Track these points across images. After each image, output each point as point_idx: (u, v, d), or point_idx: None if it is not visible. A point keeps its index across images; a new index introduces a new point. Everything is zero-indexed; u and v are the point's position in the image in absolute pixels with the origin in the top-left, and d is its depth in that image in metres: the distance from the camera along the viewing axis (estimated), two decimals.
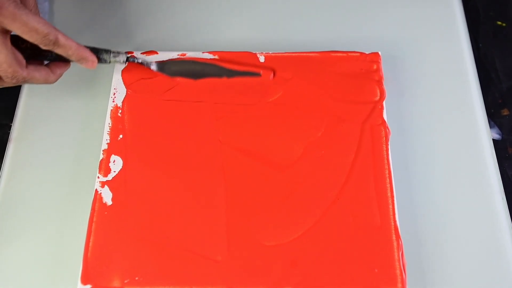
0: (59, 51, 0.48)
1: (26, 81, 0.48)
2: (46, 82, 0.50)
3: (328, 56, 0.57)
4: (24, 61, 0.47)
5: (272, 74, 0.55)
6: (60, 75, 0.52)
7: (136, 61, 0.55)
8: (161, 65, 0.55)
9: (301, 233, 0.48)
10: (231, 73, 0.55)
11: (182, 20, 0.63)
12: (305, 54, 0.57)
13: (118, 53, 0.54)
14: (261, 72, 0.55)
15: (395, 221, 0.48)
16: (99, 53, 0.52)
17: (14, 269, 0.50)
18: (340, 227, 0.48)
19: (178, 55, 0.56)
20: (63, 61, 0.51)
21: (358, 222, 0.48)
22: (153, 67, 0.55)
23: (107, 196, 0.50)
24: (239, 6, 0.64)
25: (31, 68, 0.48)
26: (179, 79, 0.55)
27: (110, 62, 0.53)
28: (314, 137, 0.52)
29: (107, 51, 0.53)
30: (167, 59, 0.56)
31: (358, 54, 0.57)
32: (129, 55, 0.55)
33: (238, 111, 0.54)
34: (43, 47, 0.47)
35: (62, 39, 0.47)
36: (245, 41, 0.60)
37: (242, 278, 0.46)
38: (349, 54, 0.57)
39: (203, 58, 0.56)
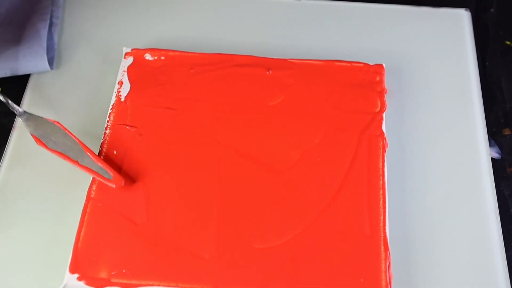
0: None
1: None
2: None
3: (332, 65, 0.57)
4: None
5: (122, 183, 0.50)
6: None
7: (3, 99, 0.54)
8: (27, 115, 0.53)
9: (290, 237, 0.48)
10: (84, 160, 0.50)
11: (190, 21, 0.64)
12: (309, 61, 0.57)
13: None
14: (113, 175, 0.50)
15: (384, 233, 0.48)
16: None
17: (7, 256, 0.50)
18: (330, 234, 0.48)
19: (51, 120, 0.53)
20: None
21: (348, 230, 0.48)
22: (18, 112, 0.54)
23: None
24: (247, 12, 0.64)
25: None
26: None
27: None
28: (312, 144, 0.53)
29: None
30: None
31: (362, 64, 0.57)
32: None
33: (238, 112, 0.54)
34: None
35: None
36: (252, 46, 0.61)
37: (228, 278, 0.47)
38: (353, 64, 0.57)
39: (71, 133, 0.52)
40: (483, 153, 0.54)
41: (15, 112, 0.54)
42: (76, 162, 0.50)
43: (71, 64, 0.61)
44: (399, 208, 0.51)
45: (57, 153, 0.51)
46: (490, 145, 0.55)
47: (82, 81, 0.60)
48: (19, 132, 0.56)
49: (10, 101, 0.54)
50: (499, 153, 0.55)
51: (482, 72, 0.60)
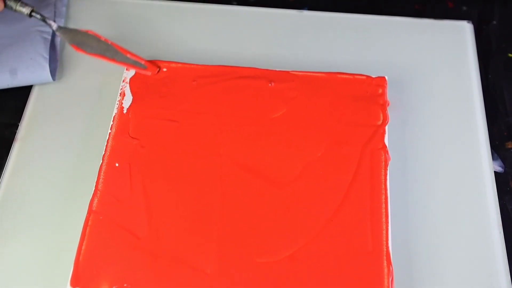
0: None
1: None
2: None
3: (334, 77, 0.57)
4: None
5: (157, 70, 0.57)
6: None
7: (38, 17, 0.56)
8: (63, 29, 0.57)
9: (292, 252, 0.48)
10: (119, 58, 0.56)
11: (192, 33, 0.64)
12: (311, 73, 0.57)
13: (26, 5, 0.55)
14: (147, 65, 0.57)
15: (387, 247, 0.48)
16: (7, 0, 0.55)
17: (8, 268, 0.50)
18: (332, 248, 0.48)
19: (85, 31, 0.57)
20: None
21: (350, 245, 0.48)
22: (54, 27, 0.57)
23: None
24: (249, 23, 0.64)
25: None
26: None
27: (15, 10, 0.55)
28: (314, 157, 0.52)
29: (16, 0, 0.55)
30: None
31: (364, 77, 0.57)
32: (33, 13, 0.56)
33: (240, 124, 0.54)
34: None
35: None
36: (254, 58, 0.61)
37: None
38: (356, 76, 0.57)
39: (104, 38, 0.56)
40: (486, 167, 0.54)
41: (51, 27, 0.57)
42: (113, 60, 0.56)
43: (73, 75, 0.61)
44: (402, 222, 0.51)
45: (95, 55, 0.56)
46: (493, 158, 0.55)
47: (84, 92, 0.60)
48: (21, 144, 0.56)
49: (46, 17, 0.57)
50: (502, 167, 0.55)
51: (484, 84, 0.59)
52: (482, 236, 0.51)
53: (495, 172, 0.54)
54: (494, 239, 0.51)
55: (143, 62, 0.56)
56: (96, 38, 0.56)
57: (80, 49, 0.56)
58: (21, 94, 0.60)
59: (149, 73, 0.56)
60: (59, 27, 0.57)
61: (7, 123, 0.59)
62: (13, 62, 0.59)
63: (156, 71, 0.56)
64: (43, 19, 0.57)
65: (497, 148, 0.56)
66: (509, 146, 0.56)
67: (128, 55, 0.56)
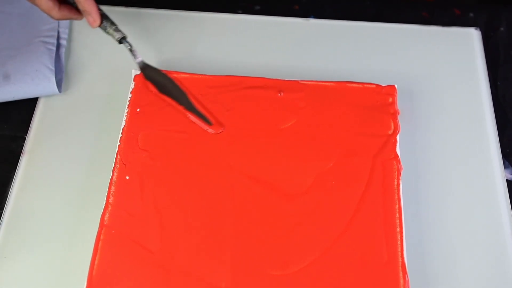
0: None
1: None
2: (49, 12, 0.53)
3: (344, 87, 0.57)
4: None
5: (221, 130, 0.54)
6: (65, 17, 0.54)
7: (126, 46, 0.56)
8: (145, 64, 0.57)
9: (307, 264, 0.48)
10: (189, 107, 0.55)
11: (200, 43, 0.64)
12: (320, 83, 0.57)
13: (119, 31, 0.55)
14: (213, 122, 0.54)
15: (402, 258, 0.48)
16: (105, 20, 0.54)
17: (21, 280, 0.50)
18: (347, 260, 0.48)
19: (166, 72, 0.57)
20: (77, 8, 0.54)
21: (365, 256, 0.48)
22: (138, 60, 0.56)
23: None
24: (256, 33, 0.64)
25: None
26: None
27: (107, 32, 0.55)
28: (325, 168, 0.52)
29: (112, 23, 0.55)
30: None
31: (374, 86, 0.57)
32: (123, 40, 0.55)
33: (250, 136, 0.54)
34: None
35: None
36: (262, 67, 0.60)
37: None
38: (365, 85, 0.57)
39: (182, 84, 0.56)
40: (498, 175, 0.54)
41: (136, 60, 0.56)
42: (182, 107, 0.55)
43: (79, 86, 0.61)
44: (415, 231, 0.51)
45: (166, 97, 0.55)
46: (505, 166, 0.55)
47: (91, 104, 0.59)
48: (29, 157, 0.56)
49: (134, 49, 0.56)
50: None
51: (493, 92, 0.59)
52: (496, 243, 0.51)
53: (507, 180, 0.54)
54: (508, 246, 0.51)
55: (210, 119, 0.54)
56: (172, 81, 0.56)
57: (154, 88, 0.56)
58: (26, 107, 0.60)
59: (212, 131, 0.54)
60: (143, 62, 0.56)
61: (13, 136, 0.58)
62: (17, 74, 0.59)
63: (220, 131, 0.54)
64: (131, 49, 0.56)
65: (508, 156, 0.56)
66: None
67: (199, 107, 0.55)
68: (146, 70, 0.56)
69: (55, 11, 0.53)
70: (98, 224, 0.49)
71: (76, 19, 0.55)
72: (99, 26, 0.54)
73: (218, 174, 0.52)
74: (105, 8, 0.56)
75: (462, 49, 0.62)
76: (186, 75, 0.58)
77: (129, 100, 0.56)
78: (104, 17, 0.54)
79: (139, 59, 0.56)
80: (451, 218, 0.52)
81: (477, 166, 0.55)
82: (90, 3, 0.53)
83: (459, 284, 0.49)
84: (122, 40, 0.55)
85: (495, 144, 0.56)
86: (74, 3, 0.53)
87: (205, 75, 0.58)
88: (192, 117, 0.54)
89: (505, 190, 0.53)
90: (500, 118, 0.58)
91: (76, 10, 0.54)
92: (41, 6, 0.52)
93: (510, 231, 0.51)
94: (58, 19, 0.54)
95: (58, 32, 0.63)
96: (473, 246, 0.51)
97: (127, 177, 0.52)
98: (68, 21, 0.64)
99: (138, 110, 0.55)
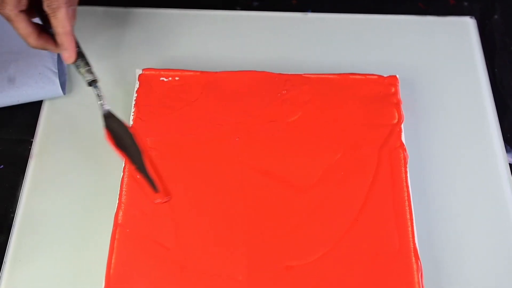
0: (52, 21, 0.48)
1: (10, 19, 0.48)
2: (26, 38, 0.50)
3: (346, 78, 0.58)
4: (24, 3, 0.48)
5: (167, 199, 0.51)
6: (41, 46, 0.51)
7: (95, 90, 0.53)
8: (110, 114, 0.53)
9: (322, 254, 0.48)
10: (141, 168, 0.52)
11: (202, 41, 0.64)
12: (324, 75, 0.58)
13: (92, 73, 0.52)
14: (160, 189, 0.51)
15: (414, 244, 0.49)
16: (80, 58, 0.51)
17: (36, 285, 0.50)
18: (360, 248, 0.49)
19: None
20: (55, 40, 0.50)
21: (377, 243, 0.49)
22: (104, 108, 0.53)
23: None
24: (255, 29, 0.65)
25: (24, 16, 0.48)
26: None
27: (79, 72, 0.52)
28: (333, 160, 0.53)
29: (87, 64, 0.52)
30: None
31: (376, 77, 0.58)
32: (93, 83, 0.52)
33: (257, 130, 0.55)
34: (44, 7, 0.47)
35: (62, 14, 0.48)
36: (265, 61, 0.61)
37: None
38: (367, 76, 0.58)
39: (141, 143, 0.53)
40: (501, 159, 0.55)
41: (103, 107, 0.53)
42: (134, 167, 0.52)
43: (83, 88, 0.60)
44: (424, 218, 0.52)
45: (121, 153, 0.52)
46: (506, 150, 0.56)
47: (95, 105, 0.58)
48: (37, 160, 0.56)
49: (102, 96, 0.53)
50: None
51: (492, 80, 0.61)
52: (502, 225, 0.52)
53: (510, 164, 0.55)
54: None
55: (158, 186, 0.51)
56: (132, 138, 0.52)
57: (111, 139, 0.52)
58: (30, 110, 0.60)
59: (158, 200, 0.51)
60: (109, 111, 0.53)
61: (19, 139, 0.58)
62: (21, 78, 0.59)
63: (164, 201, 0.51)
64: (99, 95, 0.53)
65: (509, 141, 0.57)
66: None
67: (150, 172, 0.52)
68: (109, 120, 0.53)
69: (33, 38, 0.50)
70: (110, 224, 0.50)
71: (52, 50, 0.52)
72: (73, 63, 0.51)
73: (228, 170, 0.53)
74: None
75: (458, 38, 0.64)
76: (190, 73, 0.58)
77: (135, 100, 0.56)
78: (80, 55, 0.51)
79: (106, 107, 0.53)
80: (457, 204, 0.53)
81: (480, 151, 0.56)
82: (69, 38, 0.50)
83: (468, 266, 0.50)
84: (92, 83, 0.52)
85: (496, 130, 0.57)
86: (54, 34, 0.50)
87: (208, 72, 0.58)
88: (140, 178, 0.52)
89: (508, 173, 0.55)
90: (499, 104, 0.59)
91: (54, 42, 0.51)
92: (18, 30, 0.49)
93: None
94: (34, 47, 0.51)
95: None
96: (480, 227, 0.52)
97: (138, 176, 0.52)
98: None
99: (144, 110, 0.55)
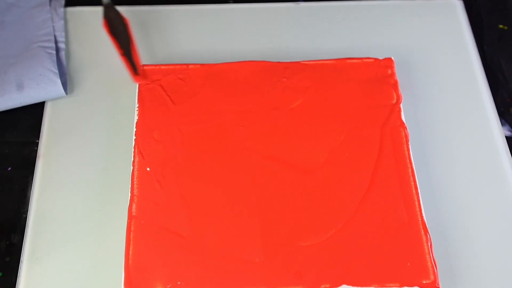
0: None
1: None
2: None
3: (343, 63, 0.59)
4: None
5: (145, 82, 0.58)
6: None
7: None
8: (110, 4, 0.56)
9: (333, 232, 0.50)
10: (127, 53, 0.56)
11: (197, 35, 0.65)
12: (321, 62, 0.59)
13: None
14: (140, 72, 0.57)
15: (422, 217, 0.50)
16: None
17: (55, 281, 0.50)
18: (370, 224, 0.50)
19: None
20: None
21: (386, 219, 0.50)
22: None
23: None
24: (249, 21, 0.66)
25: None
26: None
27: None
28: (337, 142, 0.54)
29: None
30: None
31: (372, 60, 0.59)
32: None
33: (262, 118, 0.56)
34: None
35: None
36: (262, 51, 0.62)
37: (281, 277, 0.48)
38: (364, 60, 0.59)
39: (131, 33, 0.56)
40: (497, 132, 0.57)
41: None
42: (122, 51, 0.56)
43: (85, 86, 0.61)
44: (428, 192, 0.54)
45: (113, 38, 0.56)
46: (502, 124, 0.58)
47: (99, 102, 0.60)
48: (45, 160, 0.56)
49: None
50: (510, 131, 0.58)
51: (482, 57, 0.63)
52: (502, 194, 0.54)
53: (506, 137, 0.58)
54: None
55: (139, 70, 0.57)
56: (125, 27, 0.56)
57: (107, 26, 0.56)
58: (33, 112, 0.60)
59: (137, 81, 0.57)
60: (108, 2, 0.56)
61: (24, 141, 0.58)
62: (22, 80, 0.59)
63: (141, 82, 0.57)
64: None
65: (503, 115, 0.59)
66: None
67: (134, 57, 0.56)
68: (108, 10, 0.56)
69: None
70: (122, 217, 0.51)
71: None
72: None
73: (236, 157, 0.54)
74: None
75: (448, 19, 0.66)
76: (190, 66, 0.59)
77: (138, 94, 0.57)
78: None
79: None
80: (459, 177, 0.55)
81: (477, 126, 0.58)
82: None
83: (475, 234, 0.52)
84: None
85: (490, 104, 0.59)
86: None
87: (208, 64, 0.59)
88: (124, 62, 0.56)
89: (505, 146, 0.57)
90: (491, 79, 0.61)
91: None
92: None
93: None
94: None
95: (55, 36, 0.64)
96: (481, 198, 0.54)
97: (148, 169, 0.53)
98: (62, 24, 0.65)
99: (148, 104, 0.56)
